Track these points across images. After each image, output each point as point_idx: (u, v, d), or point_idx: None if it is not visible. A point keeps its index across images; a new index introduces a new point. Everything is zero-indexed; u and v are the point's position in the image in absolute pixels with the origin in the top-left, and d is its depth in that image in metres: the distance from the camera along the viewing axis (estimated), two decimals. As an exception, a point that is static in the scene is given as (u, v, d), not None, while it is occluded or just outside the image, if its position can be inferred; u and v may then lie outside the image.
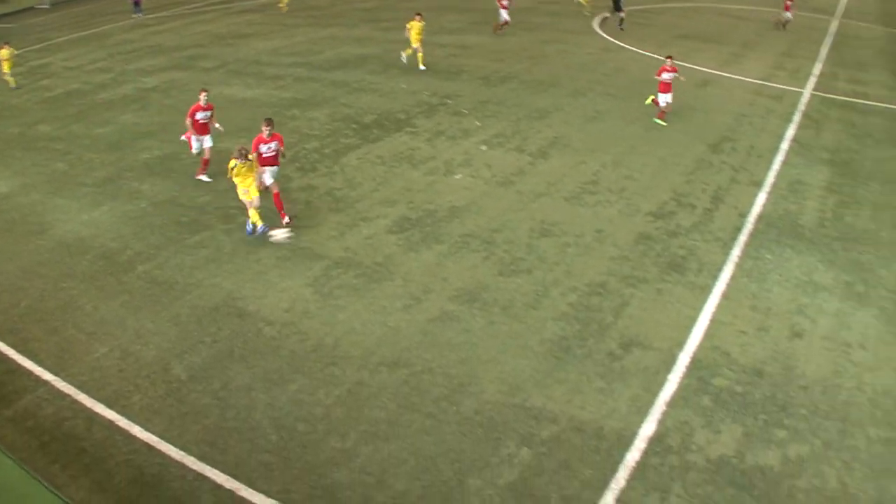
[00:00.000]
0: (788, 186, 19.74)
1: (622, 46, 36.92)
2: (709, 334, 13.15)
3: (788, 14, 41.46)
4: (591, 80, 30.21)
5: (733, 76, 31.52)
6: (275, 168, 16.74)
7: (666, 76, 23.61)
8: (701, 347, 12.76)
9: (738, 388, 11.79)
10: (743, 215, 17.87)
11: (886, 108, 29.00)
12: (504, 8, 38.27)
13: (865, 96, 30.50)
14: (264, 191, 16.27)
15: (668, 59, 23.83)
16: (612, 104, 26.78)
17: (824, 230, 17.33)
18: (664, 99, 23.93)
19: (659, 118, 24.41)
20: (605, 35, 39.53)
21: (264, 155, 16.38)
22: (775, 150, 22.51)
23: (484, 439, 10.61)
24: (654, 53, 35.08)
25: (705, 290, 14.54)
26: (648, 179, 19.81)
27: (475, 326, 13.19)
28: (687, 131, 23.83)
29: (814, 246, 16.51)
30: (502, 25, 38.65)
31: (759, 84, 30.21)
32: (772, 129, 24.56)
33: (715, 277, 15.03)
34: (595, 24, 42.09)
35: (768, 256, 15.96)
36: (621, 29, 40.48)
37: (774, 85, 30.35)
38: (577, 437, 10.70)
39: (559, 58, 34.09)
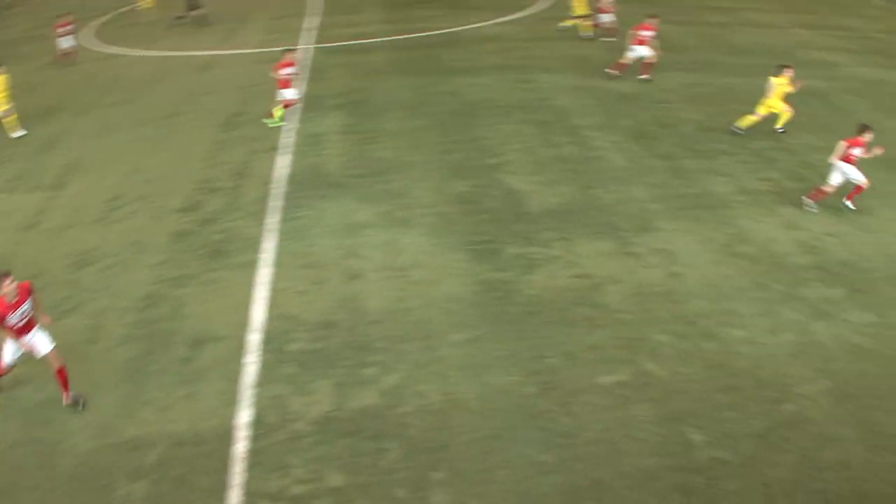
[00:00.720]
0: (307, 141, 21.46)
1: (112, 54, 36.49)
2: (270, 305, 13.97)
3: None
4: (92, 94, 29.60)
5: (233, 52, 32.89)
6: None
7: (284, 71, 22.66)
8: (267, 321, 13.53)
9: (315, 346, 12.77)
10: (269, 182, 19.06)
11: (384, 41, 32.22)
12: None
13: (364, 35, 33.65)
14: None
15: (288, 54, 23.18)
16: (118, 113, 26.59)
17: (352, 171, 19.15)
18: (289, 94, 22.96)
19: (270, 117, 23.45)
20: (92, 47, 38.68)
21: None
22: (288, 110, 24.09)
23: (94, 490, 10.38)
24: (145, 51, 35.33)
25: (253, 266, 15.36)
26: (170, 177, 20.18)
27: (48, 388, 12.35)
28: (197, 118, 24.64)
29: (346, 190, 18.19)
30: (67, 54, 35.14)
31: (259, 52, 31.91)
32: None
33: (259, 251, 15.91)
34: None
35: (305, 213, 17.26)
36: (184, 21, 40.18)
37: (274, 49, 32.11)
38: (181, 450, 10.87)
39: (53, 81, 32.69)
